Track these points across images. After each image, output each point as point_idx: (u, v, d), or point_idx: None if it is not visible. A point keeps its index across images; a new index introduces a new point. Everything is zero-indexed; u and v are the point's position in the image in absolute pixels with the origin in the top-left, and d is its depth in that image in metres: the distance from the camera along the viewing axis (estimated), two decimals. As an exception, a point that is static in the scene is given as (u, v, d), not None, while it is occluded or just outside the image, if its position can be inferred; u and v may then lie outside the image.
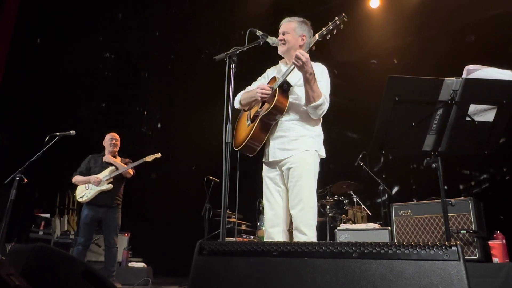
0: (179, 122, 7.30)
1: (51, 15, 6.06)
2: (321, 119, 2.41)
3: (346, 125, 5.67)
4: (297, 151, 2.25)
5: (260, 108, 2.35)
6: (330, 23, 2.19)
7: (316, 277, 1.14)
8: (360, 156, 4.57)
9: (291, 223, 2.36)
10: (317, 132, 2.35)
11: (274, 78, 2.40)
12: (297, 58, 2.08)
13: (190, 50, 7.04)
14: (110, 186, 4.09)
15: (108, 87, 6.96)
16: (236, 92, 2.30)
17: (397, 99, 1.75)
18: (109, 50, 7.11)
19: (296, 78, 2.30)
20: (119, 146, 4.38)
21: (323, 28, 2.20)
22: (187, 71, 7.21)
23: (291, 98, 2.30)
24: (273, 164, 2.36)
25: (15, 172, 3.63)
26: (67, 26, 6.22)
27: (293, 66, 2.17)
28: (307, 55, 2.10)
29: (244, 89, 2.66)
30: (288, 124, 2.31)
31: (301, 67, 2.10)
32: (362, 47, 5.80)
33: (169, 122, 7.69)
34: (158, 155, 4.30)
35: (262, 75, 2.68)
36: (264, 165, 2.45)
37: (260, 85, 2.39)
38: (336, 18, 2.18)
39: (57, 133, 3.88)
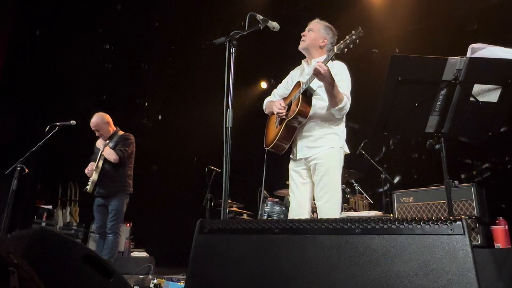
0: (180, 114, 7.29)
1: (51, 6, 6.01)
2: (344, 117, 2.53)
3: (347, 115, 5.62)
4: (323, 148, 2.40)
5: (287, 111, 2.48)
6: (347, 37, 2.24)
7: (319, 254, 1.13)
8: (362, 144, 4.54)
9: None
10: (341, 130, 2.51)
11: (298, 83, 2.53)
12: (317, 72, 2.18)
13: (191, 40, 7.00)
14: (94, 178, 3.83)
15: (108, 79, 6.93)
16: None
17: (400, 78, 1.73)
18: (109, 41, 7.06)
19: (318, 82, 2.37)
20: (104, 129, 3.95)
21: (341, 42, 2.27)
22: (187, 62, 7.18)
23: (315, 100, 2.42)
24: (300, 161, 2.50)
25: (16, 162, 3.63)
26: (67, 17, 6.18)
27: (313, 75, 2.26)
28: (325, 67, 2.18)
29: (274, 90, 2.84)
30: (312, 125, 2.45)
31: (321, 79, 2.22)
32: (364, 36, 5.75)
33: (170, 114, 7.67)
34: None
35: (286, 79, 2.81)
36: (291, 160, 2.60)
37: (278, 101, 2.57)
38: (353, 32, 2.23)
39: (57, 123, 3.87)
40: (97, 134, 3.99)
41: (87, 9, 6.18)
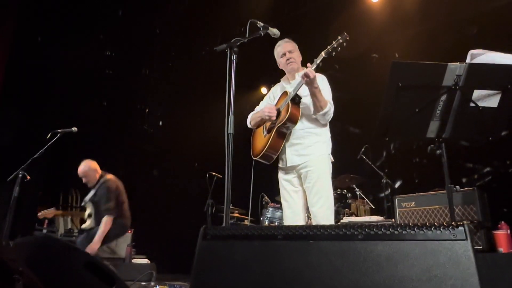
0: (180, 119, 7.31)
1: (52, 13, 6.06)
2: (328, 124, 2.62)
3: (348, 120, 5.63)
4: (313, 156, 2.47)
5: (275, 120, 2.54)
6: (334, 42, 2.39)
7: (322, 259, 1.13)
8: (363, 149, 4.55)
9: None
10: (327, 137, 2.59)
11: (285, 93, 2.61)
12: (307, 76, 2.28)
13: (191, 46, 7.03)
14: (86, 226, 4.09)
15: (109, 85, 6.96)
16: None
17: (400, 84, 1.74)
18: (110, 48, 7.10)
19: (305, 91, 2.47)
20: (90, 176, 4.10)
21: (328, 47, 2.41)
22: (188, 68, 7.21)
23: (301, 108, 2.50)
24: (290, 169, 2.56)
25: (18, 169, 3.63)
26: (68, 24, 6.22)
27: (301, 81, 2.37)
28: (314, 73, 2.30)
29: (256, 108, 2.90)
30: (301, 133, 2.52)
31: (308, 83, 2.31)
32: (363, 41, 5.78)
33: (171, 120, 7.69)
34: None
35: (267, 95, 2.90)
36: (280, 170, 2.65)
37: (268, 106, 2.61)
38: (339, 37, 2.39)
39: (59, 130, 3.88)
40: (84, 180, 4.12)
41: (88, 15, 6.22)
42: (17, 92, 5.71)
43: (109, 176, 4.15)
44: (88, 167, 4.11)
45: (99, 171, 4.18)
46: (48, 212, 4.29)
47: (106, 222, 3.83)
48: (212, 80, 5.78)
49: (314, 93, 2.35)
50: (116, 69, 7.07)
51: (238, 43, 2.30)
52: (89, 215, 4.03)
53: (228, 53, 2.27)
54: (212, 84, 5.89)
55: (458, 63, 1.75)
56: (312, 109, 2.49)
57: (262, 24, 2.48)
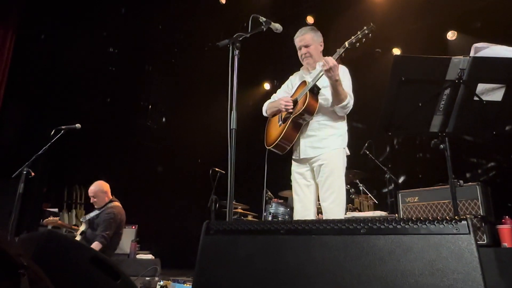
0: (183, 116, 7.32)
1: (56, 10, 6.07)
2: (345, 117, 2.57)
3: (351, 115, 5.61)
4: (328, 149, 2.42)
5: (292, 110, 2.49)
6: (359, 32, 2.33)
7: (325, 254, 1.14)
8: (366, 144, 4.54)
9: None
10: (344, 130, 2.54)
11: (304, 82, 2.55)
12: (326, 62, 2.20)
13: (194, 43, 7.03)
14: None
15: (112, 82, 6.98)
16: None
17: (403, 79, 1.73)
18: (113, 45, 7.11)
19: (324, 82, 2.42)
20: (100, 197, 4.16)
21: (352, 37, 2.34)
22: (191, 64, 7.21)
23: (320, 100, 2.45)
24: (303, 161, 2.51)
25: (22, 166, 3.66)
26: (71, 21, 6.23)
27: (321, 71, 2.31)
28: (335, 62, 2.22)
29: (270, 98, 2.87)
30: (317, 125, 2.47)
31: (328, 72, 2.21)
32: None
33: (174, 116, 7.71)
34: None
35: (285, 83, 2.85)
36: (293, 162, 2.61)
37: (284, 97, 2.59)
38: (365, 27, 2.32)
39: (62, 127, 3.90)
40: (91, 200, 4.17)
41: (91, 13, 6.23)
42: (21, 89, 5.73)
43: (117, 203, 4.20)
44: (98, 189, 4.18)
45: (109, 194, 4.24)
46: (52, 221, 4.36)
47: (95, 247, 3.81)
48: (215, 75, 5.78)
49: (335, 86, 2.29)
50: (119, 65, 7.08)
51: (240, 38, 2.29)
52: (82, 233, 4.06)
53: (230, 48, 2.27)
54: (215, 79, 5.89)
55: (461, 56, 1.74)
56: (330, 100, 2.44)
57: (264, 19, 2.46)
